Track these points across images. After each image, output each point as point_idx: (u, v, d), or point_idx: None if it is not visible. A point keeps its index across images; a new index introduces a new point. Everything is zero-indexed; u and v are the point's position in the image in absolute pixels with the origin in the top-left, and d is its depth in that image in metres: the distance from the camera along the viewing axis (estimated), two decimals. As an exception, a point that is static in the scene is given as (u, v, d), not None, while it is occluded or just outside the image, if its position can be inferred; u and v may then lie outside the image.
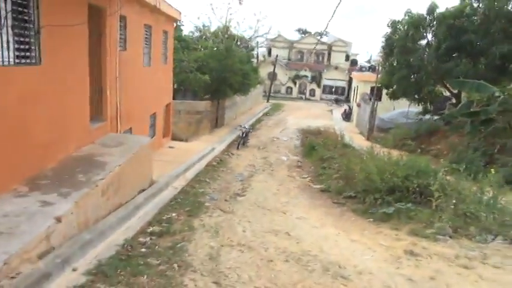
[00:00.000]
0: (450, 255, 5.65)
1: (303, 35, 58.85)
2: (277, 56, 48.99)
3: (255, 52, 42.87)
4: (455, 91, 18.81)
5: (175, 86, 17.46)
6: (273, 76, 46.65)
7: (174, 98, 16.83)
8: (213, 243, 5.62)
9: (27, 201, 4.88)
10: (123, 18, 9.13)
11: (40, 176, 5.63)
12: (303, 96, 52.27)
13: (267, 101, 41.69)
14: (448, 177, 8.84)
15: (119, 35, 8.91)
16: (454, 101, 19.68)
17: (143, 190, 7.62)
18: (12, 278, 3.72)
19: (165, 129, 14.09)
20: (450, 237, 6.40)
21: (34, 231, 4.26)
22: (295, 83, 53.45)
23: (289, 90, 53.55)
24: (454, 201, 7.55)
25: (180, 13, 14.24)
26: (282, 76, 52.49)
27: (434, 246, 6.03)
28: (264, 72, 42.36)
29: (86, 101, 7.41)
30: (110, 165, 6.43)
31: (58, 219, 4.62)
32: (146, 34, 11.15)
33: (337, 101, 46.87)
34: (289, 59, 55.28)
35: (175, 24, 15.63)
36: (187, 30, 29.00)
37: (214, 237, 5.90)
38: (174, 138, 15.26)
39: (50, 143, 6.06)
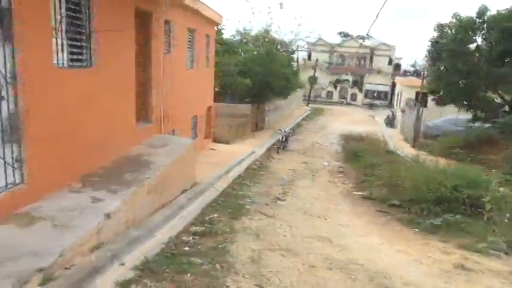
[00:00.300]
0: (504, 272, 5.34)
1: (345, 39, 57.84)
2: (317, 59, 48.41)
3: (295, 56, 42.68)
4: (509, 98, 17.74)
5: (217, 89, 17.75)
6: (313, 80, 46.22)
7: (218, 101, 17.11)
8: (254, 246, 5.62)
9: (81, 197, 5.13)
10: (167, 22, 9.40)
11: (92, 174, 5.90)
12: (344, 101, 51.42)
13: (307, 105, 41.40)
14: (501, 189, 8.35)
15: (164, 39, 9.17)
16: (507, 108, 18.56)
17: (186, 190, 7.78)
18: (67, 269, 3.91)
19: (206, 131, 14.35)
20: (506, 253, 6.03)
21: (86, 225, 4.47)
22: (335, 87, 52.74)
23: (329, 94, 52.90)
24: (508, 214, 7.12)
25: (222, 16, 14.47)
26: (323, 80, 51.93)
27: (488, 261, 5.71)
28: (304, 76, 42.06)
29: (133, 103, 7.68)
30: (157, 165, 6.62)
31: (108, 215, 4.81)
32: (189, 37, 11.41)
33: (371, 106, 45.58)
34: (330, 63, 54.47)
35: (216, 28, 15.88)
36: (228, 33, 29.33)
37: (256, 240, 5.90)
38: (216, 141, 15.49)
39: (101, 143, 6.33)
